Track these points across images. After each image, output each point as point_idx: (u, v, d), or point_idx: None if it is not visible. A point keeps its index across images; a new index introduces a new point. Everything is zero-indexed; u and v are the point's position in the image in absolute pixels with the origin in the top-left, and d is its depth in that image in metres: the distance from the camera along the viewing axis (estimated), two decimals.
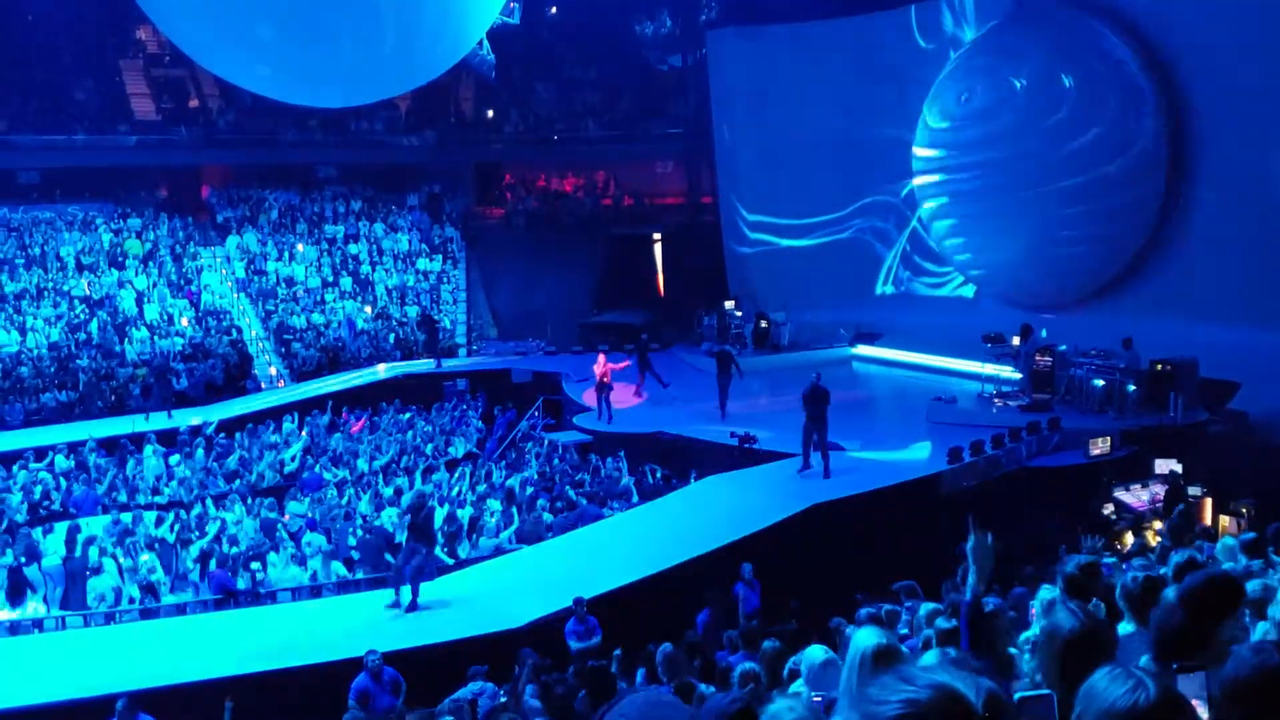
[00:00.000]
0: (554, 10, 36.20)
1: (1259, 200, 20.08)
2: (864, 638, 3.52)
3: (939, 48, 25.66)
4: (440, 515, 14.14)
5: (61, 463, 18.86)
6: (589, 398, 22.14)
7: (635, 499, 16.51)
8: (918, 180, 25.71)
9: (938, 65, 25.09)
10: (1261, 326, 18.96)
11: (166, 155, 31.07)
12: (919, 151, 25.23)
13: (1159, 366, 17.88)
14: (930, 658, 5.02)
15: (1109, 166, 21.69)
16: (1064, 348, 19.39)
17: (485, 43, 24.01)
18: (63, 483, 17.97)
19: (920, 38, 26.26)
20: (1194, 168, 21.47)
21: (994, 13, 24.30)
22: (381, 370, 26.35)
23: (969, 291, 26.22)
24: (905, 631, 7.45)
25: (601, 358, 21.30)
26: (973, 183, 23.55)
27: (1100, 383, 18.54)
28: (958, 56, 24.81)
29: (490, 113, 35.94)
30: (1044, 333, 20.20)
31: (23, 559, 13.30)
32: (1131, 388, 18.08)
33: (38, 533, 14.92)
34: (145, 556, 13.68)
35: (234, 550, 14.06)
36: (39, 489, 17.55)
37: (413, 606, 11.97)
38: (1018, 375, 20.13)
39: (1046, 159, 22.04)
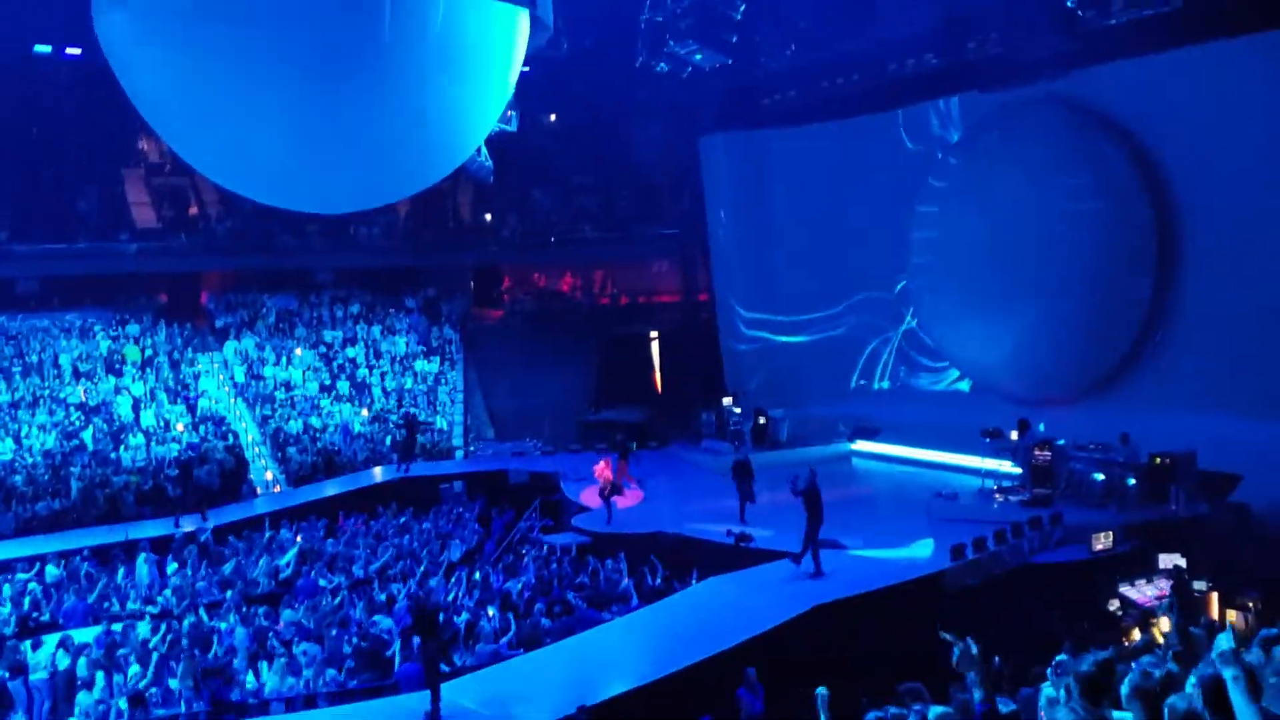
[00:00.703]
0: (552, 118, 36.93)
1: (1250, 292, 20.27)
2: None
3: (926, 149, 26.12)
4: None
5: (52, 572, 18.63)
6: (587, 498, 22.01)
7: (635, 602, 16.28)
8: (912, 275, 25.95)
9: (925, 166, 25.49)
10: (1259, 418, 18.98)
11: (166, 262, 31.39)
12: (913, 249, 25.49)
13: (1158, 460, 17.84)
14: None
15: (1099, 260, 21.89)
16: (1062, 442, 19.36)
17: (483, 149, 24.39)
18: (53, 593, 17.71)
19: (908, 139, 26.75)
20: (1184, 261, 21.73)
21: (978, 114, 24.78)
22: (378, 474, 26.19)
23: (966, 386, 26.28)
24: None
25: (604, 462, 21.22)
26: (966, 279, 23.71)
27: (1100, 476, 18.46)
28: (945, 156, 25.21)
29: (488, 216, 36.42)
30: (1041, 427, 20.18)
31: (5, 674, 13.03)
32: (1131, 481, 18.00)
33: (26, 646, 14.64)
34: (135, 669, 13.42)
35: (232, 659, 13.84)
36: (28, 600, 17.29)
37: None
38: (1017, 470, 20.06)
39: (1038, 254, 22.24)
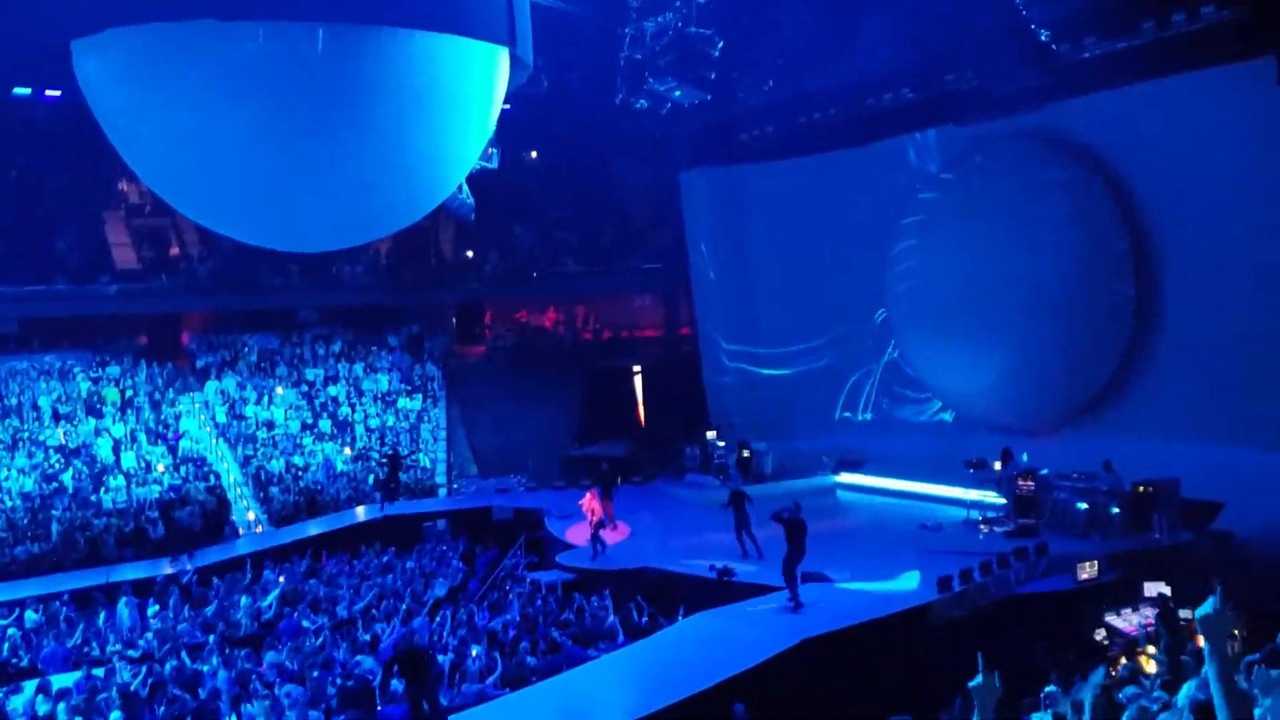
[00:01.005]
0: (533, 154, 37.11)
1: (1226, 319, 20.47)
2: None
3: (905, 181, 26.28)
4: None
5: (31, 618, 18.42)
6: (575, 536, 21.92)
7: (621, 638, 16.18)
8: (892, 307, 26.09)
9: (904, 198, 25.66)
10: (1239, 444, 19.11)
11: (147, 303, 31.23)
12: (892, 281, 25.66)
13: (1141, 488, 17.91)
14: None
15: (1078, 290, 22.06)
16: (1045, 471, 19.43)
17: (465, 186, 24.47)
18: (32, 638, 17.50)
19: (886, 173, 26.90)
20: (1161, 290, 21.91)
21: (956, 147, 25.00)
22: (360, 513, 26.05)
23: (949, 417, 26.36)
24: None
25: (590, 494, 21.16)
26: (946, 311, 23.87)
27: (1084, 506, 18.52)
28: (924, 189, 25.37)
29: (470, 253, 36.47)
30: (1025, 456, 20.24)
31: None
32: (1115, 510, 18.06)
33: (3, 692, 14.44)
34: (116, 715, 13.24)
35: (215, 702, 13.67)
36: (6, 645, 17.07)
37: None
38: (1001, 500, 20.10)
39: (1016, 285, 22.40)
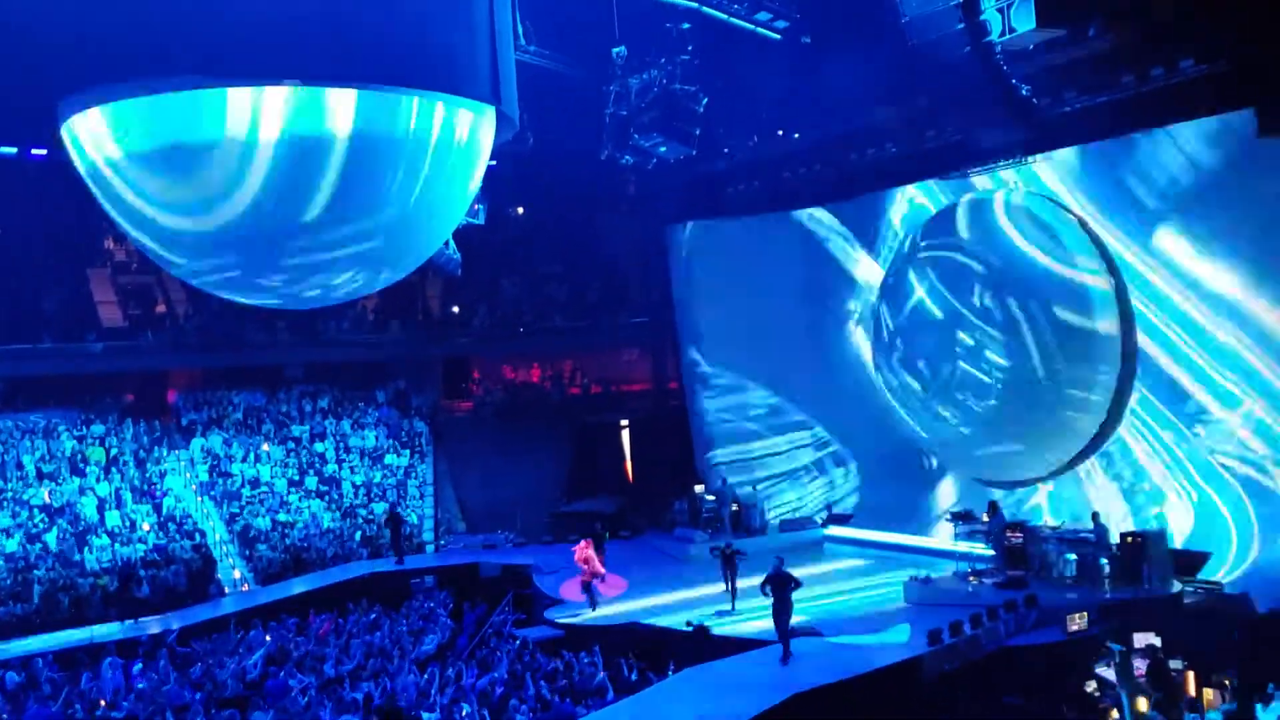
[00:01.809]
0: (520, 210, 37.31)
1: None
2: None
3: (889, 235, 26.45)
4: None
5: (13, 680, 18.17)
6: (567, 591, 21.78)
7: (610, 695, 16.04)
8: (878, 359, 26.16)
9: (889, 250, 25.79)
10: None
11: (133, 361, 31.09)
12: (877, 333, 25.76)
13: (1129, 539, 17.91)
14: None
15: (1060, 344, 22.15)
16: (1034, 523, 19.44)
17: (451, 242, 24.58)
18: (14, 701, 17.24)
19: (870, 226, 27.05)
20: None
21: (939, 200, 25.18)
22: (348, 570, 25.83)
23: (937, 468, 26.30)
24: None
25: (585, 543, 21.04)
26: (930, 364, 23.93)
27: (1073, 557, 18.51)
28: (902, 251, 25.46)
29: (457, 309, 36.53)
30: (1012, 508, 20.24)
31: None
32: (1104, 561, 18.05)
33: None
34: None
35: None
36: None
37: None
38: (990, 552, 20.07)
39: (1000, 340, 22.49)
